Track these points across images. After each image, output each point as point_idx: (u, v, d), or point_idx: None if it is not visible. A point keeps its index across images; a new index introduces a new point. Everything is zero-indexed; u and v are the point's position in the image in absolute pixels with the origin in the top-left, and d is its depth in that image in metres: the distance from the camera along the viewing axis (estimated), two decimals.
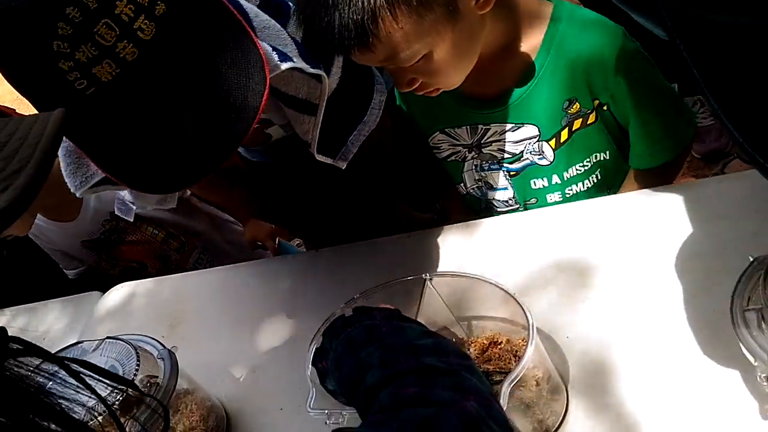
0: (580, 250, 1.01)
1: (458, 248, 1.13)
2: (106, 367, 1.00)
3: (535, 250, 1.05)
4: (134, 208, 1.13)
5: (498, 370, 0.86)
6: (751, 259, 0.70)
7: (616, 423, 0.81)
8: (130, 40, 0.69)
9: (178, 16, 0.71)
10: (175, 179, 0.79)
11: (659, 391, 0.82)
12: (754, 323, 0.65)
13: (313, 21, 0.86)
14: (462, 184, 1.26)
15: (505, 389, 0.75)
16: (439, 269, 1.10)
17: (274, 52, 0.81)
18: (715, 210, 0.95)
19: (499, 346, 0.90)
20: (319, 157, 0.99)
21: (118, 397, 0.91)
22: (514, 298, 0.83)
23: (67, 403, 0.55)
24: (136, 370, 0.97)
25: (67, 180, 0.92)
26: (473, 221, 1.16)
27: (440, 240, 1.15)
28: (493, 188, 1.21)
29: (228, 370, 1.16)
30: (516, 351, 0.88)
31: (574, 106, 1.07)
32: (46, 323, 1.50)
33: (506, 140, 1.13)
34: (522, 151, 1.13)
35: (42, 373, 0.54)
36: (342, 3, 0.85)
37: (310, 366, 0.89)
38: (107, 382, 0.59)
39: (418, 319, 0.92)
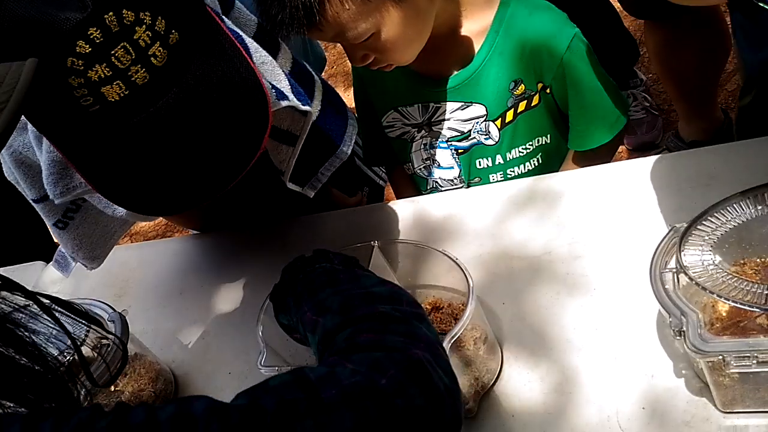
0: (517, 225, 1.08)
1: (404, 222, 1.18)
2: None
3: (476, 225, 1.11)
4: (72, 264, 1.14)
5: (440, 332, 0.92)
6: (670, 227, 0.77)
7: (546, 378, 0.88)
8: (144, 65, 0.70)
9: (189, 46, 0.73)
10: (165, 204, 0.80)
11: (587, 349, 0.89)
12: (670, 283, 0.72)
13: (266, 4, 0.91)
14: (409, 164, 1.31)
15: (445, 346, 0.80)
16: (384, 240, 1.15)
17: (273, 90, 0.84)
18: (643, 187, 1.02)
19: (441, 311, 0.96)
20: (290, 185, 1.03)
21: (83, 333, 0.93)
22: (457, 263, 0.89)
23: (32, 336, 0.57)
24: (87, 332, 0.98)
25: (46, 187, 0.93)
26: (418, 197, 1.22)
27: (387, 214, 1.21)
28: (440, 167, 1.27)
29: (176, 337, 1.18)
30: (456, 315, 0.94)
31: (519, 87, 1.13)
32: None
33: (455, 118, 1.19)
34: (470, 130, 1.19)
35: (8, 304, 0.57)
36: None
37: (260, 326, 0.93)
38: (73, 317, 0.61)
39: None
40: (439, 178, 1.29)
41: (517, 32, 1.10)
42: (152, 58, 0.70)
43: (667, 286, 0.72)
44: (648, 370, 0.83)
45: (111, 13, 0.68)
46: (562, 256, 1.00)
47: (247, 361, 1.04)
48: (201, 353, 1.14)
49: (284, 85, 0.89)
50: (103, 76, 0.69)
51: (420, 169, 1.30)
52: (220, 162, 0.78)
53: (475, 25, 1.11)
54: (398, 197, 1.43)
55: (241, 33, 0.88)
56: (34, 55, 0.66)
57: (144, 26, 0.69)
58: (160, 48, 0.70)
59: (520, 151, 1.20)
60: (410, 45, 1.03)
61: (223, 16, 0.89)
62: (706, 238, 0.73)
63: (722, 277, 0.69)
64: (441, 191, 1.31)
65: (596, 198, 1.06)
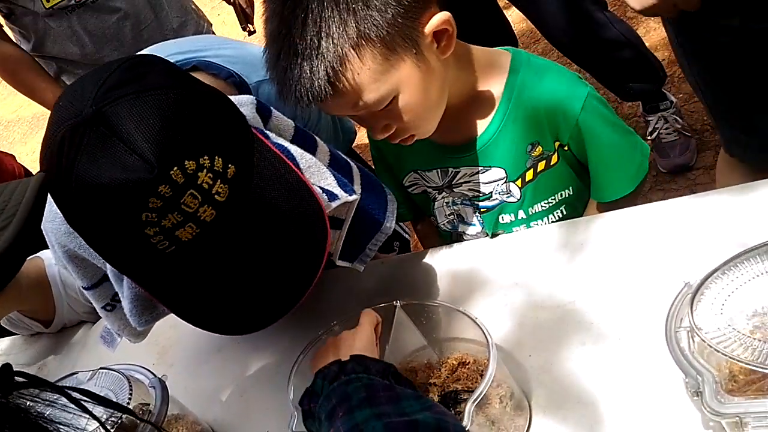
0: (542, 273, 1.09)
1: (429, 273, 1.20)
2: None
3: (500, 275, 1.13)
4: (118, 340, 1.21)
5: (465, 389, 0.94)
6: (683, 284, 0.77)
7: None
8: (210, 204, 0.76)
9: (246, 174, 0.79)
10: (243, 324, 0.88)
11: (615, 400, 0.89)
12: (685, 342, 0.73)
13: (285, 74, 0.94)
14: (433, 218, 1.32)
15: (469, 407, 0.82)
16: (412, 292, 1.17)
17: (324, 193, 0.90)
18: (657, 233, 1.03)
19: (467, 366, 0.98)
20: (339, 263, 1.07)
21: (115, 422, 0.98)
22: (476, 322, 0.90)
23: (67, 429, 0.61)
24: (129, 398, 1.03)
25: (130, 319, 1.02)
26: (443, 247, 1.24)
27: (412, 266, 1.23)
28: (464, 222, 1.28)
29: (216, 395, 1.22)
30: (482, 371, 0.95)
31: (537, 149, 1.14)
32: (42, 354, 1.55)
33: (476, 181, 1.20)
34: (491, 192, 1.20)
35: (43, 401, 0.60)
36: (309, 52, 0.92)
37: (291, 390, 0.96)
38: (105, 408, 0.64)
39: (392, 343, 1.00)
40: (464, 232, 1.31)
41: (529, 97, 1.11)
42: (216, 196, 0.76)
43: (682, 345, 0.73)
44: (678, 422, 0.83)
45: (176, 168, 0.73)
46: (588, 304, 1.01)
47: (284, 419, 1.07)
48: (241, 412, 1.17)
49: (330, 182, 0.95)
50: (175, 222, 0.75)
51: (444, 224, 1.31)
52: (289, 277, 0.85)
53: (487, 93, 1.12)
54: (423, 246, 1.46)
55: (284, 143, 0.93)
56: (112, 216, 0.73)
57: (205, 170, 0.75)
58: (222, 185, 0.76)
59: (542, 206, 1.21)
60: (430, 111, 1.04)
61: (266, 131, 0.94)
62: (719, 295, 0.73)
63: (736, 336, 0.69)
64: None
65: (619, 243, 1.06)
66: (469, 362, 0.98)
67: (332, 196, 0.92)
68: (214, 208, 0.76)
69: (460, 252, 1.21)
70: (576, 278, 1.05)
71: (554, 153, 1.15)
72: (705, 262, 0.81)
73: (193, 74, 1.11)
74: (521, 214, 1.22)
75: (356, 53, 0.92)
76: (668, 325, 0.75)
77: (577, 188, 1.22)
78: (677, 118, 2.13)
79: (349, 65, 0.93)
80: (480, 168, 1.18)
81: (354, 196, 0.95)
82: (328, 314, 1.08)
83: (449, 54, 1.01)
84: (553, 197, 1.20)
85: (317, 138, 1.07)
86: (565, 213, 1.23)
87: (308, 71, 0.93)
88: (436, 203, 1.28)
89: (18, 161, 1.81)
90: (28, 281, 1.40)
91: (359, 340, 0.88)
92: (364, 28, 0.91)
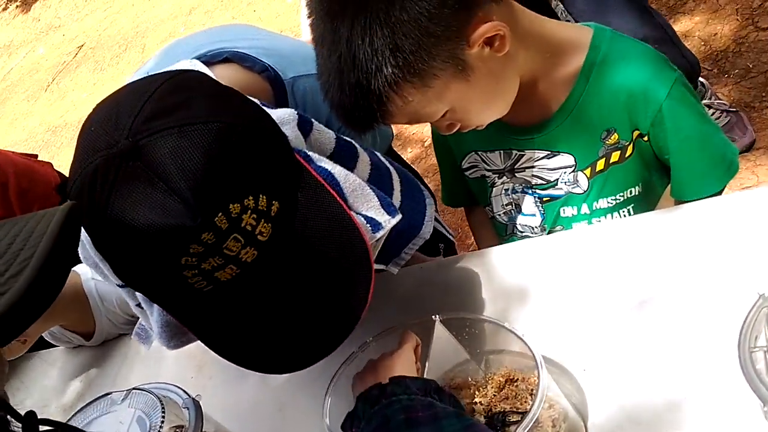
0: (600, 276, 1.00)
1: (471, 279, 1.12)
2: (134, 419, 1.03)
3: (552, 277, 1.04)
4: (153, 336, 1.16)
5: (514, 410, 0.86)
6: (758, 296, 0.68)
7: None
8: (252, 245, 0.71)
9: (290, 212, 0.74)
10: (279, 364, 0.84)
11: (680, 426, 0.80)
12: (762, 363, 0.64)
13: (337, 104, 0.92)
14: (489, 207, 1.25)
15: None
16: (453, 301, 1.10)
17: (368, 224, 0.85)
18: (728, 232, 0.92)
19: (515, 384, 0.90)
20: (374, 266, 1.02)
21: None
22: (522, 339, 0.83)
23: None
24: (162, 420, 0.99)
25: (159, 341, 0.99)
26: (486, 250, 1.16)
27: (454, 271, 1.15)
28: (522, 213, 1.20)
29: (254, 411, 1.17)
30: (532, 389, 0.88)
31: (612, 137, 1.04)
32: (84, 367, 1.54)
33: (540, 167, 1.11)
34: (557, 179, 1.11)
35: None
36: (353, 87, 0.89)
37: (327, 409, 0.90)
38: None
39: (432, 359, 0.93)
40: (520, 224, 1.22)
41: (609, 78, 1.01)
42: (259, 236, 0.71)
43: (758, 367, 0.64)
44: None
45: (220, 215, 0.68)
46: (650, 314, 0.91)
47: None
48: (278, 428, 1.13)
49: (374, 204, 0.89)
50: (216, 265, 0.70)
51: (500, 214, 1.23)
52: (330, 319, 0.79)
53: (562, 72, 1.03)
54: (476, 238, 1.39)
55: (328, 167, 0.87)
56: (148, 258, 0.69)
57: (249, 211, 0.69)
58: (265, 224, 0.71)
59: (609, 202, 1.11)
60: (492, 106, 0.99)
61: (309, 153, 0.88)
62: None
63: None
64: (519, 238, 1.24)
65: (687, 243, 0.95)
66: (517, 379, 0.90)
67: (376, 226, 0.86)
68: (256, 249, 0.71)
69: (508, 253, 1.13)
70: (638, 283, 0.95)
71: (630, 144, 1.05)
72: None
73: (226, 66, 1.06)
74: (585, 209, 1.12)
75: (395, 91, 0.88)
76: (741, 344, 0.66)
77: (647, 187, 1.11)
78: (718, 97, 1.99)
79: (392, 102, 0.90)
80: (547, 152, 1.09)
81: (397, 217, 0.89)
82: (365, 324, 1.02)
83: (507, 50, 0.92)
84: (621, 194, 1.10)
85: (357, 146, 1.01)
86: (631, 213, 1.13)
87: (355, 103, 0.90)
88: (494, 189, 1.20)
89: (56, 169, 1.79)
90: (65, 296, 1.38)
91: (399, 363, 0.85)
92: (397, 68, 0.86)
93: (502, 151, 1.13)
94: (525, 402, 0.86)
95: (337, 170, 0.87)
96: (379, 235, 0.85)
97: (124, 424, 1.05)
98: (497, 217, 1.24)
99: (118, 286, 1.07)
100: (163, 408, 1.00)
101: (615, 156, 1.06)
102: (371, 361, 0.89)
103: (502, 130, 1.10)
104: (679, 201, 1.09)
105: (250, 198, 0.69)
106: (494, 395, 0.89)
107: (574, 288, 1.00)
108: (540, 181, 1.13)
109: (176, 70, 0.83)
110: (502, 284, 1.08)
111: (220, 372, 1.29)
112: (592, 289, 0.99)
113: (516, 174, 1.15)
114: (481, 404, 0.89)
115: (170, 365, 1.35)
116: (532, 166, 1.12)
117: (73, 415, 1.06)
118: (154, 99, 0.72)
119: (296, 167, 0.78)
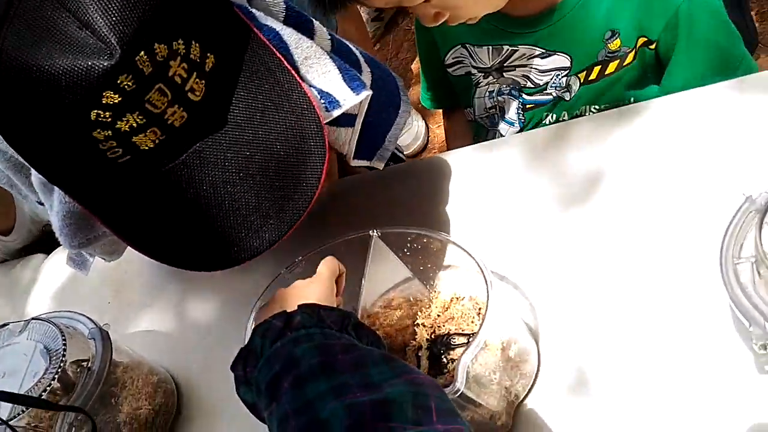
0: (560, 180, 0.89)
1: (417, 190, 1.01)
2: (36, 351, 0.92)
3: (511, 184, 0.93)
4: (90, 260, 1.00)
5: (460, 331, 0.77)
6: (744, 197, 0.58)
7: (592, 385, 0.72)
8: (181, 104, 0.58)
9: (227, 70, 0.62)
10: (218, 258, 0.67)
11: (645, 345, 0.72)
12: (748, 277, 0.54)
13: None
14: (470, 109, 1.14)
15: (466, 361, 0.65)
16: (396, 213, 0.99)
17: (322, 99, 0.71)
18: (711, 127, 0.82)
19: (461, 303, 0.80)
20: (355, 163, 0.89)
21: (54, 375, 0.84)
22: (469, 254, 0.72)
23: None
24: (63, 354, 0.87)
25: (60, 239, 0.83)
26: (432, 156, 1.04)
27: (396, 182, 1.04)
28: (503, 119, 1.10)
29: (178, 338, 1.07)
30: (480, 308, 0.78)
31: (615, 41, 0.94)
32: None
33: (532, 66, 1.00)
34: (546, 83, 1.01)
35: None
36: None
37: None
38: None
39: (369, 278, 0.81)
40: (500, 129, 1.12)
41: None
42: (190, 94, 0.59)
43: (743, 281, 0.54)
44: (737, 380, 0.65)
45: (143, 53, 0.54)
46: (614, 222, 0.81)
47: None
48: (204, 357, 1.02)
49: (333, 77, 0.76)
50: (135, 125, 0.57)
51: (481, 117, 1.13)
52: (272, 204, 0.65)
53: None
54: (449, 145, 1.29)
55: (275, 26, 0.73)
56: (48, 110, 0.55)
57: (179, 58, 0.57)
58: (197, 80, 0.59)
59: (592, 110, 1.02)
60: None
61: (252, 10, 0.73)
62: None
63: None
64: None
65: (669, 133, 0.85)
66: (464, 298, 0.81)
67: (333, 104, 0.73)
68: (186, 109, 0.59)
69: (459, 159, 1.01)
70: (607, 186, 0.85)
71: (632, 51, 0.95)
72: None
73: None
74: (565, 116, 1.02)
75: None
76: (724, 254, 0.56)
77: (637, 97, 1.01)
78: None
79: None
80: (542, 51, 0.98)
81: (364, 93, 0.76)
82: (295, 240, 0.90)
83: None
84: (607, 105, 1.01)
85: (314, 20, 0.86)
86: None
87: None
88: (478, 89, 1.09)
89: None
90: None
91: (314, 292, 0.69)
92: None
93: (491, 47, 1.02)
94: (472, 323, 0.77)
95: (287, 32, 0.73)
96: (335, 113, 0.72)
97: (26, 356, 0.93)
98: (478, 120, 1.14)
99: (39, 203, 0.92)
100: (64, 339, 0.89)
101: (612, 66, 0.97)
102: (280, 290, 0.73)
103: (495, 21, 0.99)
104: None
105: (180, 42, 0.57)
106: (438, 315, 0.80)
107: (531, 196, 0.90)
108: (528, 84, 1.03)
109: None
110: (454, 193, 0.97)
111: (139, 296, 1.17)
112: (551, 197, 0.89)
113: (504, 73, 1.04)
114: (424, 325, 0.80)
115: (86, 289, 1.22)
116: (524, 65, 1.01)
117: None
118: None
119: (236, 21, 0.65)
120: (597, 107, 1.02)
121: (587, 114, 1.03)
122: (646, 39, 0.94)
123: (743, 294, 0.54)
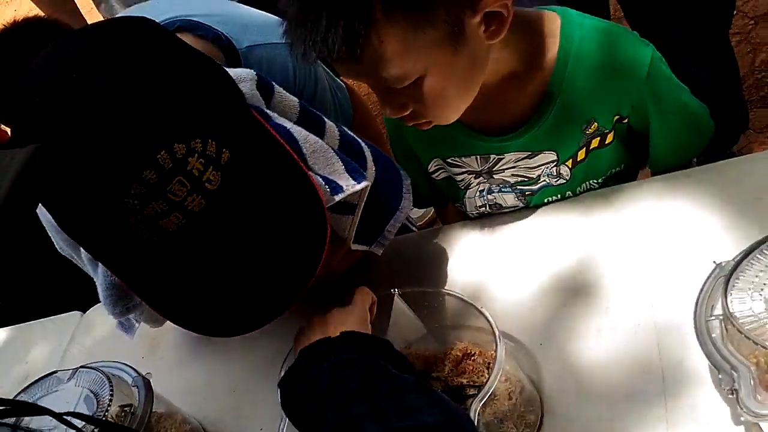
0: (554, 252, 1.00)
1: (432, 255, 1.11)
2: (81, 397, 1.00)
3: (509, 254, 1.04)
4: (136, 325, 1.11)
5: (471, 383, 0.86)
6: (714, 265, 0.68)
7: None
8: (199, 193, 0.68)
9: (241, 163, 0.72)
10: (229, 326, 0.79)
11: (634, 396, 0.81)
12: (717, 332, 0.64)
13: (299, 21, 0.79)
14: (460, 205, 1.17)
15: (476, 406, 0.74)
16: (413, 278, 1.09)
17: (326, 185, 0.82)
18: (685, 205, 0.93)
19: (472, 359, 0.89)
20: (355, 247, 0.98)
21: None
22: (480, 311, 0.82)
23: None
24: (110, 399, 0.96)
25: (105, 307, 0.94)
26: (446, 226, 1.15)
27: (414, 247, 1.14)
28: (502, 210, 1.13)
29: (207, 391, 1.15)
30: (489, 363, 0.87)
31: (592, 126, 1.00)
32: (30, 346, 1.49)
33: (522, 166, 1.05)
34: (539, 176, 1.05)
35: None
36: (331, 1, 0.77)
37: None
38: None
39: (390, 333, 0.91)
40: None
41: (585, 66, 0.94)
42: (207, 184, 0.69)
43: (714, 335, 0.64)
44: (708, 422, 0.74)
45: (163, 152, 0.65)
46: (604, 288, 0.92)
47: (277, 416, 1.00)
48: (233, 408, 1.10)
49: (337, 168, 0.86)
50: (159, 210, 0.68)
51: (473, 214, 1.16)
52: (281, 278, 0.76)
53: (536, 67, 0.95)
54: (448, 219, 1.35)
55: (286, 124, 0.84)
56: (89, 200, 0.66)
57: (196, 155, 0.67)
58: (214, 172, 0.69)
59: (590, 184, 1.08)
60: (456, 99, 0.90)
61: (267, 111, 0.85)
62: (757, 278, 0.64)
63: None
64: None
65: (642, 217, 0.96)
66: (474, 353, 0.89)
67: (336, 189, 0.83)
68: (204, 197, 0.69)
69: (469, 229, 1.12)
70: (597, 258, 0.96)
71: (611, 131, 1.01)
72: (738, 240, 0.72)
73: (178, 35, 1.03)
74: (569, 195, 1.08)
75: (385, 12, 0.77)
76: (698, 313, 0.66)
77: (629, 162, 1.09)
78: None
79: (374, 28, 0.77)
80: (528, 153, 1.02)
81: (363, 183, 0.86)
82: (321, 299, 1.00)
83: (497, 41, 0.85)
84: (604, 176, 1.07)
85: (325, 118, 0.97)
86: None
87: (324, 23, 0.77)
88: (468, 191, 1.12)
89: None
90: None
91: (351, 319, 0.77)
92: None
93: (478, 156, 1.06)
94: (482, 376, 0.86)
95: (296, 129, 0.84)
96: (338, 197, 0.82)
97: (70, 403, 1.01)
98: (471, 215, 1.17)
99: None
100: (111, 386, 0.97)
101: (595, 143, 1.02)
102: (318, 317, 0.80)
103: (472, 137, 1.03)
104: (656, 172, 1.09)
105: (197, 141, 0.67)
106: (451, 370, 0.88)
107: (532, 264, 1.00)
108: (521, 179, 1.07)
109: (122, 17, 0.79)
110: (463, 259, 1.08)
111: (171, 352, 1.25)
112: (549, 265, 0.99)
113: (494, 176, 1.08)
114: (438, 379, 0.88)
115: (121, 343, 1.31)
116: (513, 167, 1.05)
117: (17, 395, 1.02)
118: (96, 39, 0.69)
119: (251, 121, 0.76)
120: (595, 182, 1.08)
121: (588, 189, 1.09)
122: (618, 116, 1.00)
123: (714, 347, 0.63)
